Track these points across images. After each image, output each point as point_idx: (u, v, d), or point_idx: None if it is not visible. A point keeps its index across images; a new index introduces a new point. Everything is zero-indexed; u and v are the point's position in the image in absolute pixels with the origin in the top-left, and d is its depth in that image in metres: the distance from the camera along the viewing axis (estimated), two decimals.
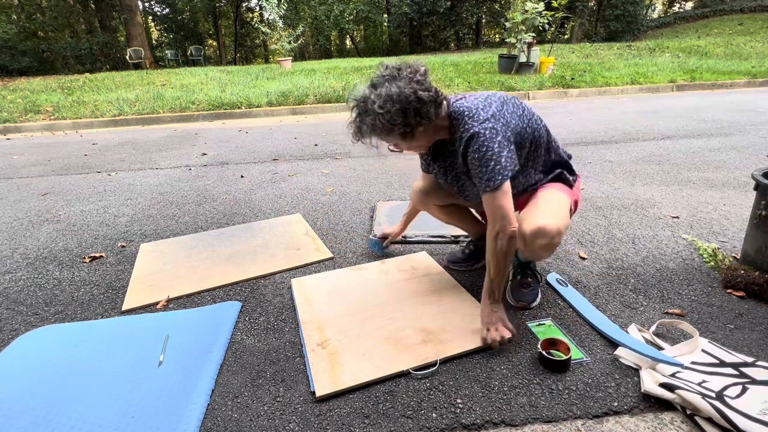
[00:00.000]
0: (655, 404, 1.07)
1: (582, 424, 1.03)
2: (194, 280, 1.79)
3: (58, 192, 3.25)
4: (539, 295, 1.52)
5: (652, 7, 25.63)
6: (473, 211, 1.77)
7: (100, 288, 1.80)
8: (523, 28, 8.06)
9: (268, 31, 12.14)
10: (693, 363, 1.17)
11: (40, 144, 5.47)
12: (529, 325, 1.40)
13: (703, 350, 1.22)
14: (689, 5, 25.04)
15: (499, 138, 1.20)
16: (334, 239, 2.16)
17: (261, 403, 1.14)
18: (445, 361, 1.25)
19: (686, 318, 1.40)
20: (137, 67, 13.58)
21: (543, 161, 1.41)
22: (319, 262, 1.92)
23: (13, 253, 2.19)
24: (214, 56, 24.85)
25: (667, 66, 9.02)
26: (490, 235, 1.26)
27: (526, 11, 7.98)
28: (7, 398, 1.19)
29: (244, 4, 22.83)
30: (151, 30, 24.93)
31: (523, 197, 1.45)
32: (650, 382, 1.09)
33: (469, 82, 7.94)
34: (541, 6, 7.94)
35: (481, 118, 1.21)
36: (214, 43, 26.06)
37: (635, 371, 1.17)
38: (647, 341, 1.28)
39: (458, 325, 1.39)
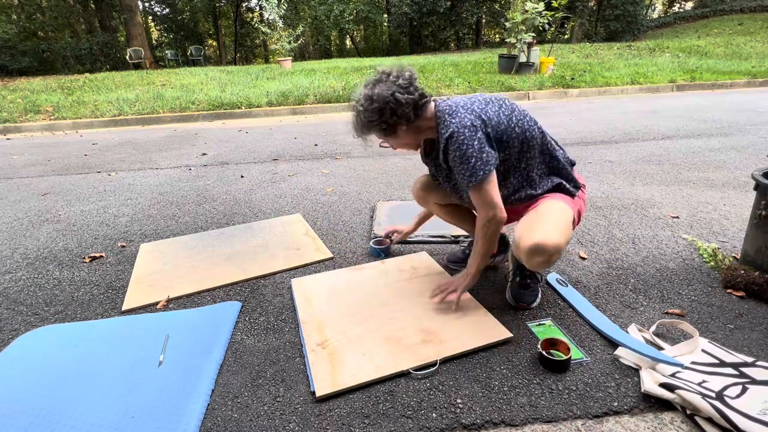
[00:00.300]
0: (655, 404, 1.07)
1: (582, 424, 1.03)
2: (194, 280, 1.79)
3: (58, 192, 3.25)
4: (539, 296, 1.52)
5: (652, 7, 25.63)
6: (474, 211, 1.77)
7: (100, 288, 1.80)
8: (523, 28, 8.06)
9: (268, 31, 12.14)
10: (693, 363, 1.17)
11: (40, 144, 5.47)
12: (529, 325, 1.40)
13: (703, 350, 1.22)
14: (689, 5, 25.04)
15: (478, 135, 1.24)
16: (334, 239, 2.16)
17: (261, 403, 1.14)
18: (445, 361, 1.25)
19: (686, 318, 1.40)
20: (137, 67, 13.59)
21: (538, 164, 1.39)
22: (319, 262, 1.92)
23: (13, 253, 2.19)
24: (214, 56, 24.85)
25: (667, 66, 9.02)
26: (479, 223, 1.33)
27: (526, 11, 7.98)
28: (7, 398, 1.19)
29: (244, 4, 22.83)
30: (151, 30, 24.93)
31: (521, 206, 1.43)
32: (650, 382, 1.09)
33: (469, 82, 7.94)
34: (541, 6, 7.94)
35: (461, 115, 1.27)
36: (214, 43, 26.06)
37: (635, 371, 1.17)
38: (647, 341, 1.28)
39: (458, 325, 1.39)
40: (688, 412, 1.02)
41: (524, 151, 1.35)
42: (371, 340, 1.34)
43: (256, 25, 17.17)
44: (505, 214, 1.30)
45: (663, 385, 1.06)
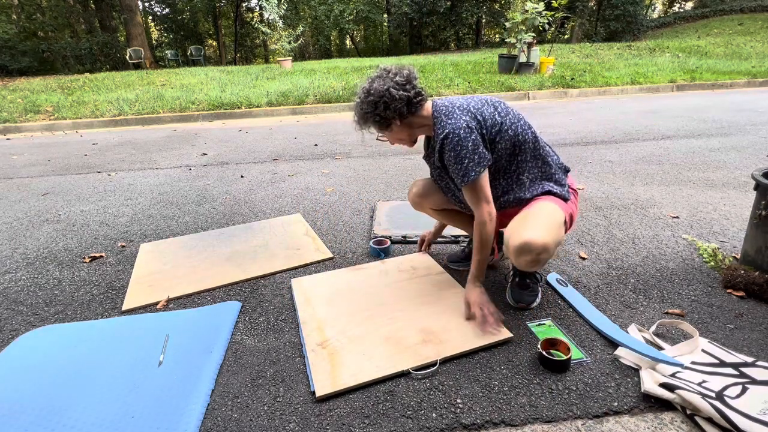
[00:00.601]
0: (655, 404, 1.07)
1: (582, 424, 1.03)
2: (194, 280, 1.79)
3: (58, 192, 3.25)
4: (539, 296, 1.52)
5: (652, 7, 25.63)
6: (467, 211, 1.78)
7: (100, 288, 1.80)
8: (523, 28, 8.06)
9: (268, 31, 12.14)
10: (693, 363, 1.17)
11: (40, 144, 5.47)
12: (529, 325, 1.40)
13: (703, 350, 1.22)
14: (689, 5, 25.04)
15: (473, 136, 1.29)
16: (334, 239, 2.16)
17: (261, 403, 1.14)
18: (445, 361, 1.25)
19: (686, 318, 1.40)
20: (137, 67, 13.59)
21: (530, 168, 1.40)
22: (319, 262, 1.92)
23: (13, 253, 2.19)
24: (214, 56, 24.85)
25: (667, 66, 9.02)
26: (476, 222, 1.35)
27: (526, 11, 7.99)
28: (7, 398, 1.19)
29: (244, 4, 22.83)
30: (151, 30, 24.93)
31: (511, 209, 1.44)
32: (650, 382, 1.09)
33: (469, 82, 7.94)
34: (541, 6, 7.95)
35: (456, 116, 1.31)
36: (214, 43, 26.06)
37: (635, 371, 1.17)
38: (647, 341, 1.28)
39: (458, 325, 1.39)
40: (688, 412, 1.02)
41: (515, 154, 1.38)
42: (371, 340, 1.34)
43: (256, 25, 17.17)
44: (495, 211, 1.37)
45: (663, 385, 1.06)
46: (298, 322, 1.47)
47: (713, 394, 1.04)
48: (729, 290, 1.52)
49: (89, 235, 2.39)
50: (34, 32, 15.84)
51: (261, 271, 1.85)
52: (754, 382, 1.08)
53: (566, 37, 19.86)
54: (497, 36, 23.11)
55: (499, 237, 1.70)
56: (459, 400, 1.12)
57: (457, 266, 1.79)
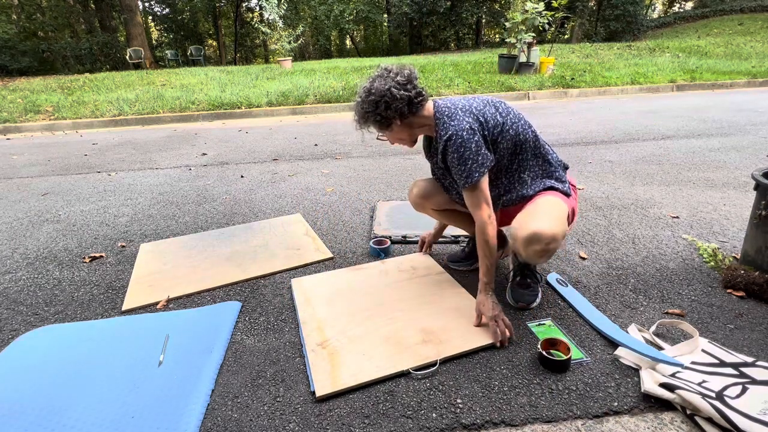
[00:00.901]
0: (655, 404, 1.07)
1: (582, 424, 1.03)
2: (194, 280, 1.79)
3: (58, 192, 3.25)
4: (539, 296, 1.52)
5: (652, 7, 25.63)
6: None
7: (100, 288, 1.80)
8: (523, 28, 8.06)
9: (268, 31, 12.14)
10: (693, 363, 1.17)
11: (40, 144, 5.47)
12: (529, 325, 1.40)
13: (703, 350, 1.22)
14: (689, 5, 25.04)
15: (476, 138, 1.29)
16: (334, 239, 2.16)
17: (261, 403, 1.14)
18: (445, 361, 1.25)
19: (686, 318, 1.40)
20: (137, 67, 13.59)
21: (531, 166, 1.42)
22: (319, 262, 1.92)
23: (13, 253, 2.19)
24: (214, 56, 24.85)
25: (667, 66, 9.02)
26: (478, 226, 1.34)
27: (526, 11, 7.99)
28: (7, 398, 1.19)
29: (244, 4, 22.83)
30: (151, 30, 24.93)
31: (513, 207, 1.46)
32: (650, 382, 1.09)
33: (469, 82, 7.94)
34: (541, 6, 7.95)
35: (459, 118, 1.31)
36: (214, 43, 26.06)
37: (635, 371, 1.17)
38: (647, 341, 1.28)
39: (458, 325, 1.39)
40: (688, 412, 1.02)
41: (517, 153, 1.40)
42: (371, 340, 1.34)
43: (256, 25, 17.17)
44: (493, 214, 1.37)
45: (663, 385, 1.06)
46: (298, 322, 1.47)
47: (713, 394, 1.04)
48: (729, 290, 1.52)
49: (89, 235, 2.39)
50: (34, 32, 15.84)
51: (261, 271, 1.85)
52: (754, 382, 1.08)
53: (566, 37, 19.86)
54: (497, 36, 23.11)
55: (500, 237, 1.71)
56: (459, 400, 1.12)
57: (457, 266, 1.79)
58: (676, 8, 26.02)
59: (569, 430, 1.02)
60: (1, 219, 2.70)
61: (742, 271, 1.51)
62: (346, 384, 1.16)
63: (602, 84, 7.76)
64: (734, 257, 1.75)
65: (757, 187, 1.51)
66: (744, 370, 1.13)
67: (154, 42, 24.06)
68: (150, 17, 24.02)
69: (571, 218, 1.42)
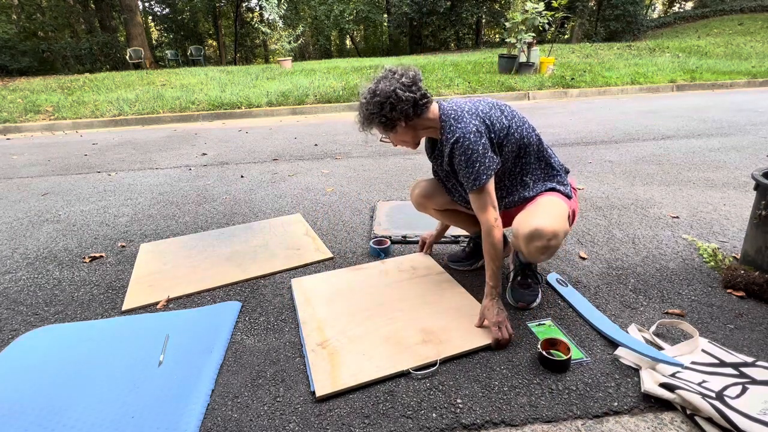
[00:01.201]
0: (655, 404, 1.07)
1: (582, 424, 1.03)
2: (194, 280, 1.79)
3: (58, 192, 3.25)
4: (539, 296, 1.52)
5: (652, 7, 25.63)
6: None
7: (100, 288, 1.80)
8: (523, 28, 8.06)
9: (268, 31, 12.14)
10: (693, 363, 1.17)
11: (40, 144, 5.47)
12: (529, 325, 1.40)
13: (703, 350, 1.22)
14: (689, 5, 25.04)
15: (483, 140, 1.29)
16: (334, 239, 2.16)
17: (261, 403, 1.14)
18: (445, 361, 1.25)
19: (686, 318, 1.40)
20: (137, 67, 13.59)
21: (533, 169, 1.43)
22: (319, 262, 1.92)
23: (13, 253, 2.19)
24: (214, 56, 24.85)
25: (667, 66, 9.02)
26: (484, 230, 1.33)
27: (526, 11, 7.99)
28: (7, 398, 1.19)
29: (244, 4, 22.83)
30: (151, 30, 24.93)
31: (514, 209, 1.47)
32: (650, 382, 1.09)
33: (469, 82, 7.94)
34: (541, 6, 7.95)
35: (466, 121, 1.30)
36: (214, 43, 26.06)
37: (635, 371, 1.17)
38: (647, 341, 1.28)
39: (458, 325, 1.39)
40: (688, 412, 1.02)
41: (520, 156, 1.40)
42: (371, 340, 1.34)
43: (256, 25, 17.17)
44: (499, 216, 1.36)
45: (663, 385, 1.06)
46: (298, 322, 1.47)
47: (713, 394, 1.04)
48: (729, 290, 1.52)
49: (89, 235, 2.39)
50: (34, 32, 15.84)
51: (261, 271, 1.85)
52: (754, 382, 1.08)
53: (566, 37, 19.86)
54: (497, 36, 23.11)
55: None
56: (459, 400, 1.12)
57: (457, 266, 1.79)
58: (676, 8, 26.02)
59: (569, 430, 1.02)
60: (1, 219, 2.70)
61: (742, 271, 1.51)
62: (346, 384, 1.16)
63: (602, 84, 7.76)
64: (734, 257, 1.75)
65: (757, 187, 1.51)
66: (744, 370, 1.13)
67: (154, 42, 24.06)
68: (150, 17, 24.02)
69: (571, 219, 1.43)
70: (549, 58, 8.57)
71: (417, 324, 1.41)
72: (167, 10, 23.36)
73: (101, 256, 2.10)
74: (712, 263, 1.71)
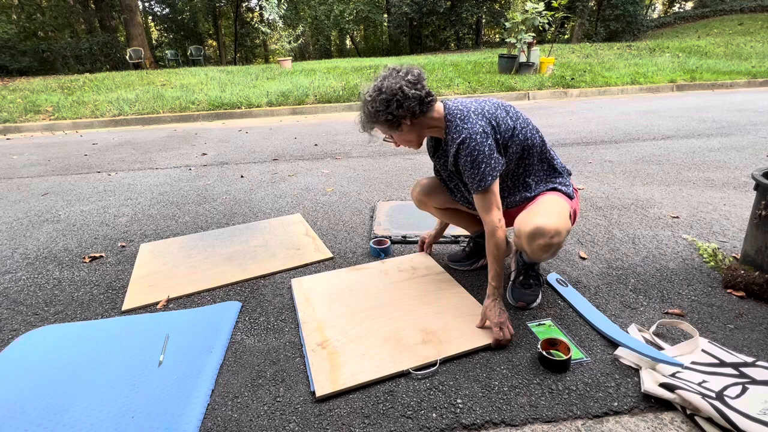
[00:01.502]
0: (655, 404, 1.07)
1: (582, 424, 1.03)
2: (194, 280, 1.79)
3: (58, 192, 3.25)
4: (539, 297, 1.52)
5: (652, 7, 25.64)
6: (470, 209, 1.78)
7: (100, 288, 1.80)
8: (523, 28, 8.06)
9: (268, 31, 12.14)
10: (693, 363, 1.17)
11: (40, 144, 5.47)
12: (529, 325, 1.40)
13: (703, 350, 1.22)
14: (689, 5, 25.04)
15: (489, 141, 1.29)
16: (334, 239, 2.16)
17: (261, 403, 1.14)
18: (445, 361, 1.25)
19: (686, 318, 1.40)
20: (137, 67, 13.58)
21: (536, 170, 1.44)
22: (319, 262, 1.92)
23: (13, 253, 2.19)
24: (214, 56, 24.85)
25: (667, 66, 9.02)
26: (488, 230, 1.33)
27: (526, 11, 7.98)
28: (7, 398, 1.19)
29: (244, 4, 22.83)
30: (151, 30, 24.93)
31: (515, 209, 1.47)
32: (650, 382, 1.09)
33: (469, 82, 7.94)
34: (541, 6, 7.95)
35: (473, 121, 1.30)
36: (214, 43, 26.06)
37: (635, 371, 1.17)
38: (647, 341, 1.28)
39: (458, 325, 1.39)
40: (688, 412, 1.02)
41: (524, 158, 1.40)
42: (371, 340, 1.34)
43: (256, 25, 17.16)
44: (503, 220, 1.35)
45: (663, 385, 1.06)
46: (298, 322, 1.47)
47: (713, 394, 1.04)
48: (729, 290, 1.52)
49: (89, 235, 2.39)
50: (34, 32, 15.84)
51: (261, 271, 1.85)
52: (754, 382, 1.08)
53: (566, 37, 19.87)
54: (497, 36, 23.12)
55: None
56: (459, 400, 1.12)
57: (457, 266, 1.79)
58: (676, 8, 26.02)
59: (569, 430, 1.02)
60: (1, 219, 2.70)
61: (742, 271, 1.51)
62: (346, 384, 1.16)
63: (602, 84, 7.76)
64: (734, 257, 1.74)
65: (757, 187, 1.51)
66: (744, 370, 1.13)
67: (154, 42, 24.06)
68: (150, 17, 24.02)
69: (572, 219, 1.43)
70: (549, 58, 8.57)
71: (417, 324, 1.41)
72: (167, 10, 23.36)
73: (101, 256, 2.10)
74: (712, 263, 1.71)
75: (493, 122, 1.32)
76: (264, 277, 1.81)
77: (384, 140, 1.46)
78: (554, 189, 1.44)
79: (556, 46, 12.34)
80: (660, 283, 1.61)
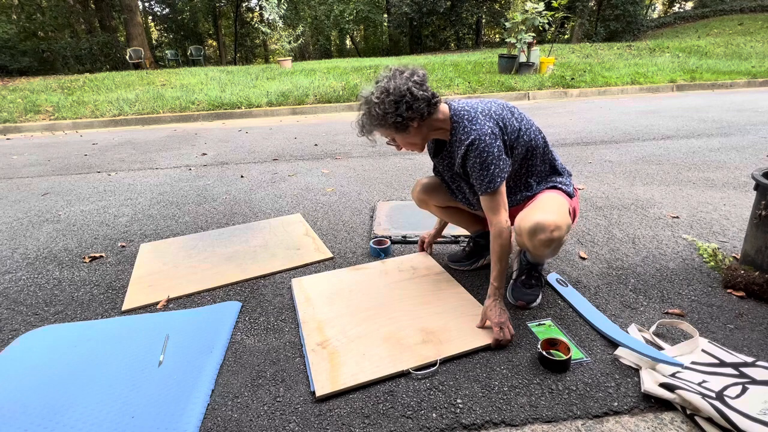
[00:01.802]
0: (655, 404, 1.07)
1: (582, 424, 1.03)
2: (194, 280, 1.79)
3: (58, 192, 3.25)
4: (540, 297, 1.52)
5: (652, 7, 25.64)
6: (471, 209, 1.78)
7: (100, 288, 1.80)
8: (523, 28, 8.06)
9: (268, 31, 12.14)
10: (693, 363, 1.17)
11: (40, 144, 5.47)
12: (529, 325, 1.40)
13: (703, 350, 1.22)
14: (689, 5, 25.04)
15: (497, 143, 1.28)
16: (334, 239, 2.16)
17: (261, 403, 1.14)
18: (445, 361, 1.25)
19: (686, 318, 1.40)
20: (137, 67, 13.58)
21: (538, 171, 1.44)
22: (319, 262, 1.92)
23: (13, 253, 2.19)
24: (214, 56, 24.85)
25: (667, 66, 9.02)
26: (494, 231, 1.32)
27: (526, 11, 7.98)
28: (7, 398, 1.19)
29: (244, 4, 22.83)
30: (151, 30, 24.92)
31: (515, 208, 1.47)
32: (650, 382, 1.09)
33: (469, 82, 7.94)
34: (541, 6, 7.95)
35: (481, 122, 1.28)
36: (214, 43, 26.06)
37: (635, 371, 1.17)
38: (647, 341, 1.28)
39: (458, 325, 1.39)
40: (688, 412, 1.02)
41: (527, 159, 1.40)
42: (371, 340, 1.34)
43: (256, 25, 17.16)
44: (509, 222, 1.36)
45: (663, 385, 1.06)
46: (298, 322, 1.47)
47: (713, 394, 1.04)
48: (729, 290, 1.52)
49: (89, 235, 2.39)
50: (34, 32, 15.83)
51: (261, 271, 1.85)
52: (754, 382, 1.08)
53: (566, 37, 19.87)
54: (497, 36, 23.11)
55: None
56: (459, 400, 1.12)
57: (457, 266, 1.79)
58: (676, 8, 26.02)
59: (569, 430, 1.02)
60: (1, 219, 2.70)
61: (742, 271, 1.51)
62: (346, 384, 1.16)
63: (602, 84, 7.76)
64: (734, 257, 1.74)
65: (757, 187, 1.51)
66: (744, 370, 1.13)
67: (154, 42, 24.05)
68: (150, 17, 24.03)
69: (572, 217, 1.43)
70: (549, 58, 8.57)
71: (417, 324, 1.41)
72: (167, 10, 23.37)
73: (101, 256, 2.10)
74: (712, 263, 1.71)
75: (501, 123, 1.31)
76: (264, 277, 1.81)
77: (387, 143, 1.43)
78: (554, 187, 1.45)
79: (556, 46, 12.34)
80: (660, 283, 1.61)
